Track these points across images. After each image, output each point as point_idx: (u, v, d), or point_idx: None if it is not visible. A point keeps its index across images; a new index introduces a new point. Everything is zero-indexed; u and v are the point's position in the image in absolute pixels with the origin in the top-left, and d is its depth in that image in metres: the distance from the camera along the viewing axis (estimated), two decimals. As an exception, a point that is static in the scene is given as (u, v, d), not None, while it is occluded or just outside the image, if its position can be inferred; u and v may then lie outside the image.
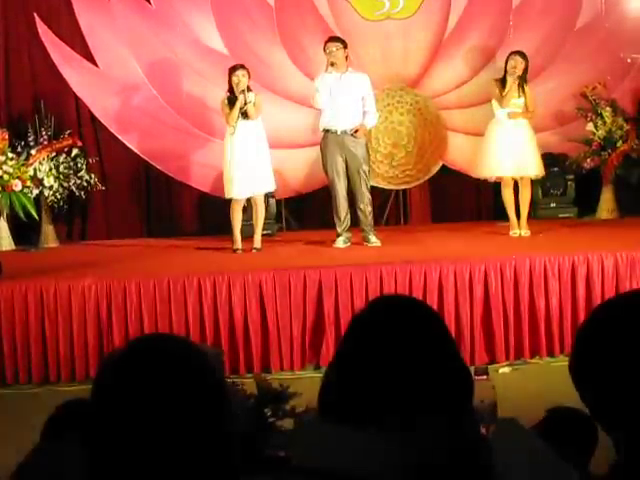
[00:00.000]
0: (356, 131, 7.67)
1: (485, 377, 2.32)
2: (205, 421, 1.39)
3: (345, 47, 7.77)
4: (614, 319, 1.47)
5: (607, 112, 8.86)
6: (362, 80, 7.83)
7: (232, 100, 7.62)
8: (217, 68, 8.61)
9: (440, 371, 1.55)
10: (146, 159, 9.12)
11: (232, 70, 7.70)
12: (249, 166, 7.58)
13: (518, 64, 7.83)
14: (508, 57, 7.95)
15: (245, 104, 7.55)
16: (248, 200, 7.82)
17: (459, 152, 9.27)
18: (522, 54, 7.91)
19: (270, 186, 7.86)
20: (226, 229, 7.91)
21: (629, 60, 9.17)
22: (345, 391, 1.53)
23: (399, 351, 1.52)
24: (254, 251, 7.67)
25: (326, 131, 7.76)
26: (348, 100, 7.68)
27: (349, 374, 1.54)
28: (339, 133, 7.69)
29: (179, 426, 1.37)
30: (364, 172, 7.77)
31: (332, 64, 7.63)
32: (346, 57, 7.78)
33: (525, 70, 7.86)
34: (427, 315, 1.61)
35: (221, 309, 6.14)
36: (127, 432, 1.36)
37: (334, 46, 7.71)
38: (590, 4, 9.09)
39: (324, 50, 7.75)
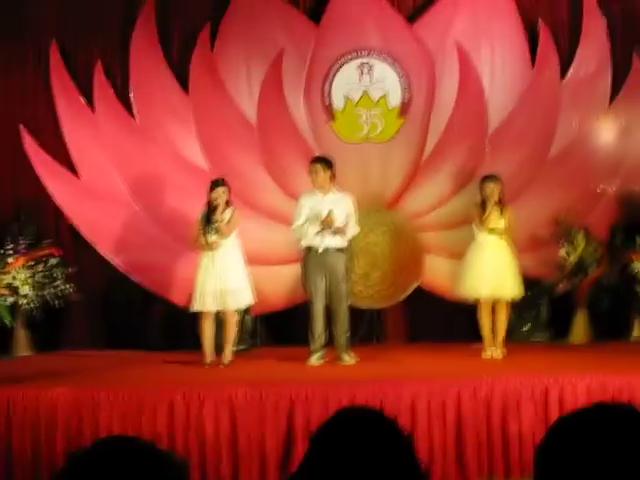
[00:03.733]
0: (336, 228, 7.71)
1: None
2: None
3: (330, 167, 7.89)
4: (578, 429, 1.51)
5: (579, 239, 9.01)
6: (345, 200, 7.93)
7: (208, 216, 7.70)
8: (198, 183, 8.73)
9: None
10: (124, 271, 9.16)
11: (212, 186, 7.79)
12: (219, 280, 7.61)
13: (495, 189, 8.00)
14: (482, 182, 8.12)
15: (218, 222, 7.63)
16: (217, 315, 7.81)
17: (435, 274, 9.35)
18: (495, 178, 8.09)
19: (243, 302, 7.85)
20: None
21: (600, 189, 9.39)
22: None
23: (361, 463, 1.53)
24: (221, 366, 7.63)
25: (308, 249, 7.83)
26: None
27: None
28: (321, 251, 7.76)
29: None
30: (343, 291, 7.82)
31: (321, 186, 7.73)
32: (331, 177, 7.90)
33: (501, 193, 8.03)
34: (391, 428, 1.63)
35: (192, 423, 6.09)
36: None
37: (313, 167, 7.85)
38: (563, 133, 9.35)
39: (309, 170, 7.88)
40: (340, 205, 7.84)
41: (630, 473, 1.44)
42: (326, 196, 7.82)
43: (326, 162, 7.92)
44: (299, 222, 7.77)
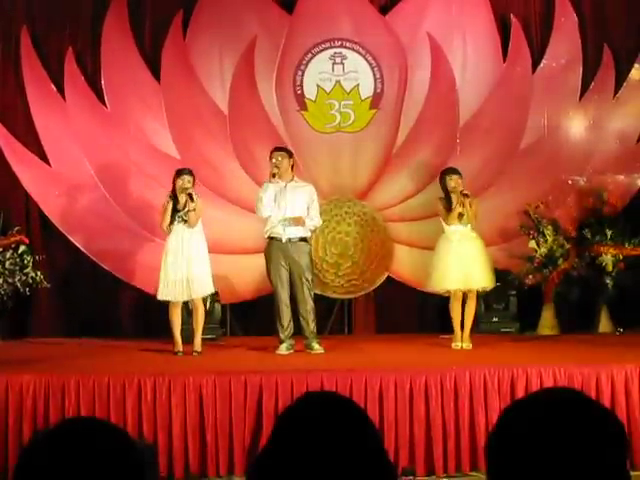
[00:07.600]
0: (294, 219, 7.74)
1: (412, 478, 2.32)
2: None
3: (290, 157, 7.91)
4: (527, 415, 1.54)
5: (549, 231, 9.07)
6: (307, 190, 7.96)
7: (174, 202, 7.70)
8: (168, 172, 8.69)
9: (364, 469, 1.56)
10: (93, 258, 9.12)
11: (179, 173, 7.79)
12: (185, 270, 7.61)
13: (457, 182, 8.02)
14: (444, 176, 8.12)
15: (187, 210, 7.63)
16: (186, 304, 7.82)
17: (404, 264, 9.40)
18: (456, 172, 8.11)
19: (208, 289, 7.84)
20: (170, 331, 7.88)
21: (570, 182, 9.48)
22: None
23: (320, 447, 1.53)
24: (194, 354, 7.64)
25: (270, 238, 7.85)
26: (292, 209, 7.77)
27: (272, 469, 1.55)
28: (283, 241, 7.78)
29: None
30: (307, 280, 7.83)
31: (273, 175, 7.76)
32: (292, 166, 7.92)
33: (462, 185, 8.05)
34: (352, 411, 1.63)
35: (160, 411, 6.08)
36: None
37: (279, 155, 7.85)
38: (534, 126, 9.42)
39: (270, 159, 7.89)
40: (301, 194, 7.87)
41: (578, 458, 1.47)
42: (288, 185, 7.83)
43: (286, 151, 7.98)
44: (264, 213, 7.78)
